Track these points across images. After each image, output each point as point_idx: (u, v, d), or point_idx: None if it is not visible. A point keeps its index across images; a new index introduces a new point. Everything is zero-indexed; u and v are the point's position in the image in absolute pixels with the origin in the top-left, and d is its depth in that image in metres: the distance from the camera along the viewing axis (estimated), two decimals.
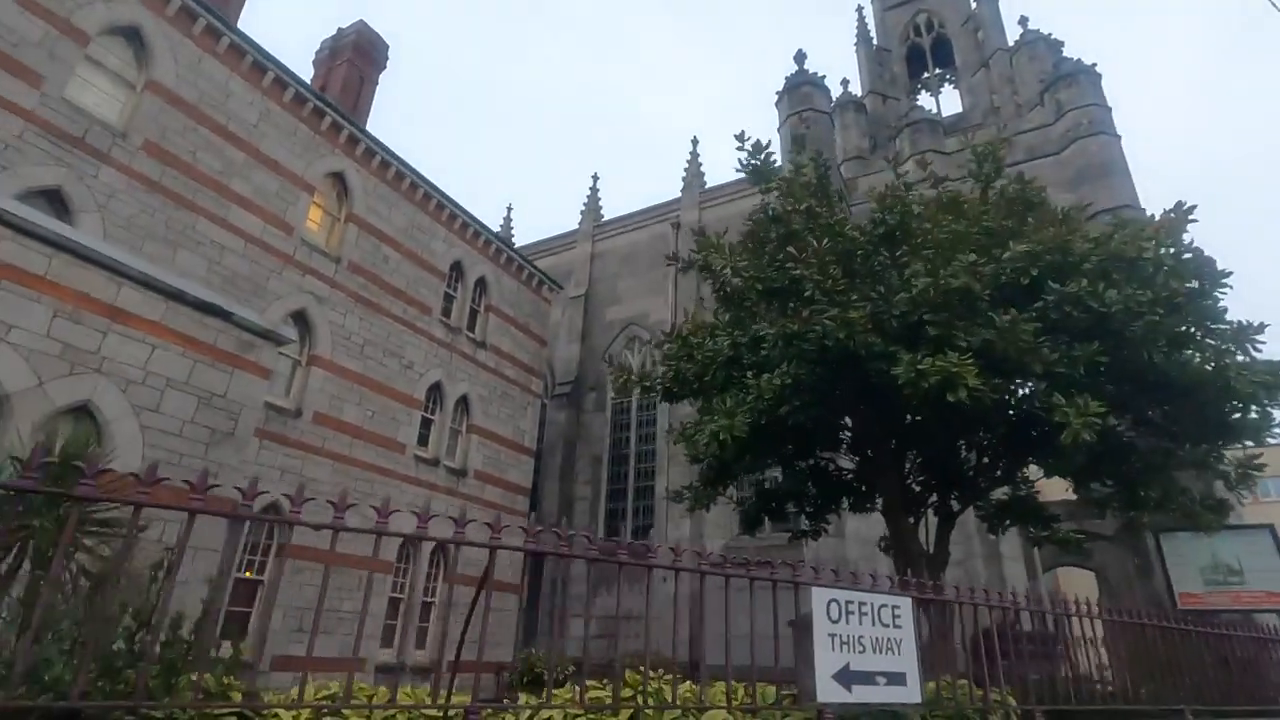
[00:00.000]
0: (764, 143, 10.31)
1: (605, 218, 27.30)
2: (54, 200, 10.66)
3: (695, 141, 26.32)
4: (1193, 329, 7.37)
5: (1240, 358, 7.10)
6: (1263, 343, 7.26)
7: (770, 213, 9.23)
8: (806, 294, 7.20)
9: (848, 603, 4.48)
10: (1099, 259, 7.15)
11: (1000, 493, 10.15)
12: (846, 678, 4.27)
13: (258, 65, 13.84)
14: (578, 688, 3.94)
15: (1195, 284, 7.29)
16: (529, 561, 5.09)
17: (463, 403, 17.93)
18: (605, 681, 5.14)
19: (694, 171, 25.60)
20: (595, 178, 28.17)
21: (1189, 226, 7.61)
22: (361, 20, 20.86)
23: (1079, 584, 14.44)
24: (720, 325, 8.57)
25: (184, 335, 8.99)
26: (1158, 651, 6.49)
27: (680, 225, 24.83)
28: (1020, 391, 7.76)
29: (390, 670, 14.32)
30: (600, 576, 18.64)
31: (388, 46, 21.37)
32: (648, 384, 9.50)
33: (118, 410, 8.20)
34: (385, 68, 21.35)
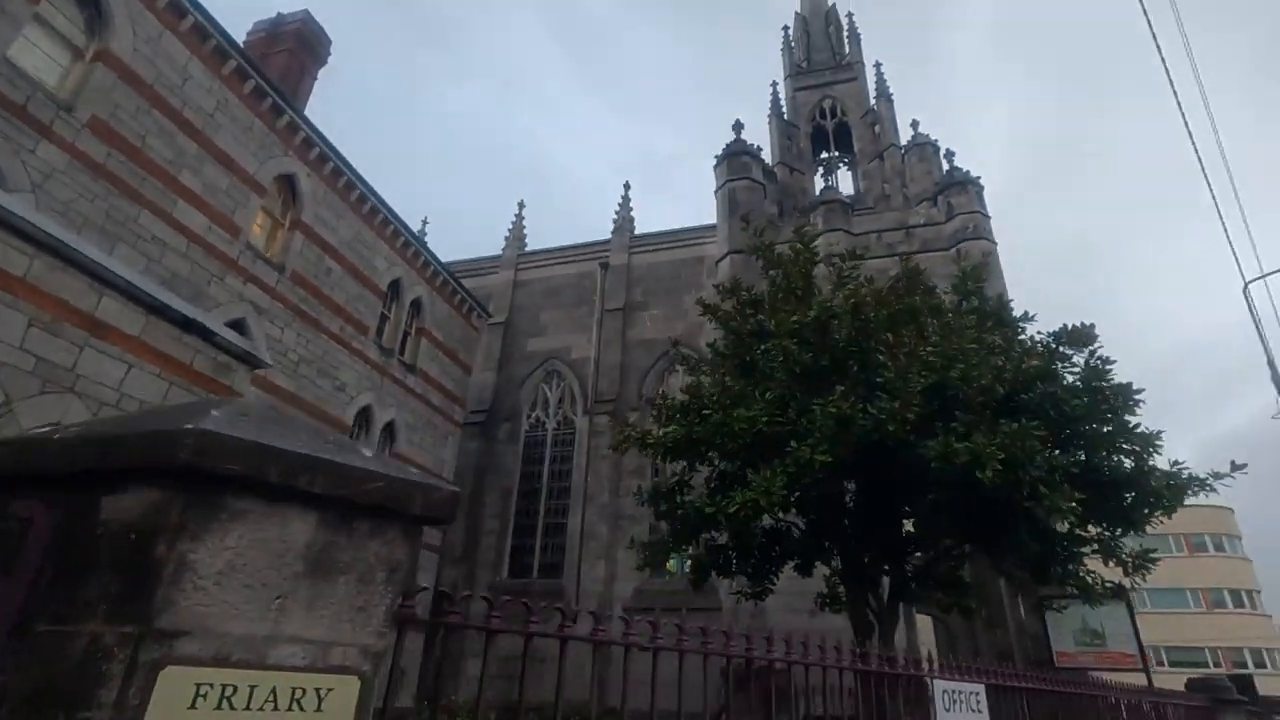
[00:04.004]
0: (759, 229, 11.27)
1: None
2: None
3: (627, 186, 27.00)
4: (1119, 438, 9.04)
5: (1156, 460, 8.83)
6: (1161, 446, 9.09)
7: (778, 288, 10.06)
8: (847, 379, 7.97)
9: (955, 691, 5.09)
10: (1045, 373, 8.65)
11: (915, 561, 11.44)
12: None
13: (219, 50, 12.67)
14: None
15: (1118, 400, 8.98)
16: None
17: (389, 429, 17.00)
18: None
19: (625, 216, 26.18)
20: (521, 205, 27.84)
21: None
22: (306, 10, 19.58)
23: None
24: (737, 393, 9.06)
25: (161, 353, 8.04)
26: None
27: (609, 266, 25.27)
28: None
29: None
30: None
31: (330, 42, 20.21)
32: (653, 442, 9.74)
33: None
34: (326, 64, 20.13)
